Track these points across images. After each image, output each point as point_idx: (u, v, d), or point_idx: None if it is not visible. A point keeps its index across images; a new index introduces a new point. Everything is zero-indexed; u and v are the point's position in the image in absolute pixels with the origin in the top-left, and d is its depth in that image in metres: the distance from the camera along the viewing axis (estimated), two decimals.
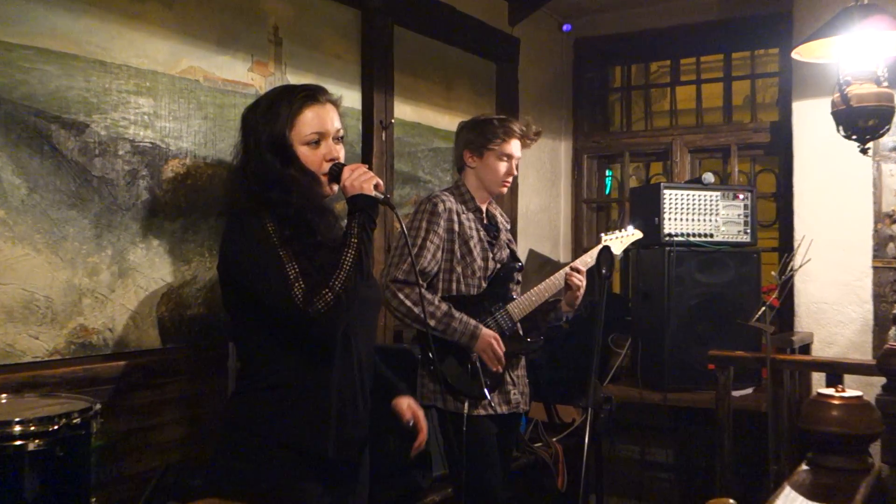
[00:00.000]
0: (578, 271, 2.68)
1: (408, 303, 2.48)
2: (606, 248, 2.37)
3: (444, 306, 2.54)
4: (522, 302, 2.67)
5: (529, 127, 2.71)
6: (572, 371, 3.73)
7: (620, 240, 2.91)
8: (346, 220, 1.74)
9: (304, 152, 1.77)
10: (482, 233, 2.69)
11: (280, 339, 1.72)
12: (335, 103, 1.84)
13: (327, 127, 1.79)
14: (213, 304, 2.67)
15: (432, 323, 2.51)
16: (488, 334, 2.55)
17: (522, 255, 4.45)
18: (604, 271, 2.27)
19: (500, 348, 2.55)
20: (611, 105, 5.12)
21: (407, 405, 2.03)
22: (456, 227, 2.63)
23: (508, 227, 2.85)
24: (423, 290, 2.54)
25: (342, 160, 1.83)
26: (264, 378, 1.74)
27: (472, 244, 2.63)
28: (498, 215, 2.82)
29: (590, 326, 2.41)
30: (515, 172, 2.71)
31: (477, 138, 2.67)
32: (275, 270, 1.64)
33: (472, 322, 2.56)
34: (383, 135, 3.44)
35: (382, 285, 2.47)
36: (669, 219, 3.83)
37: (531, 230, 4.57)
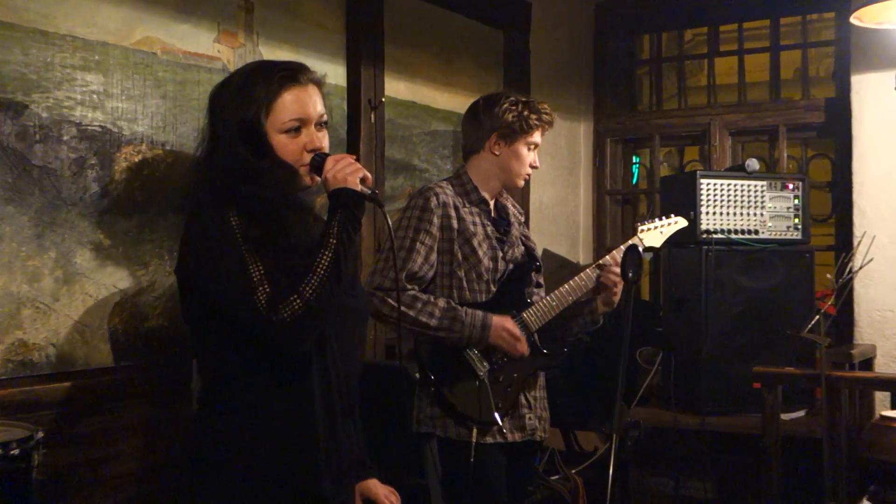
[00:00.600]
0: (612, 269, 2.69)
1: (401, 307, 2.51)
2: (633, 248, 2.37)
3: (441, 302, 2.56)
4: (540, 308, 2.67)
5: (551, 113, 2.77)
6: (594, 392, 3.74)
7: (660, 230, 2.90)
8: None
9: (281, 141, 1.78)
10: (489, 228, 2.70)
11: (247, 354, 1.73)
12: (318, 83, 1.84)
13: (309, 112, 1.80)
14: (175, 315, 2.66)
15: (433, 323, 2.51)
16: (499, 319, 2.57)
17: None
18: (630, 274, 2.27)
19: (515, 329, 2.58)
20: (638, 80, 5.11)
21: (383, 495, 2.05)
22: (454, 223, 2.63)
23: (523, 219, 2.87)
24: (417, 294, 2.55)
25: (326, 149, 1.84)
26: (230, 399, 1.76)
27: (475, 242, 2.64)
28: (510, 206, 2.84)
29: (614, 339, 2.41)
30: (538, 164, 2.76)
31: (515, 122, 2.68)
32: (236, 271, 1.66)
33: (479, 312, 2.57)
34: (372, 116, 3.44)
35: (368, 294, 2.48)
36: (707, 213, 3.82)
37: (545, 227, 4.56)
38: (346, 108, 3.40)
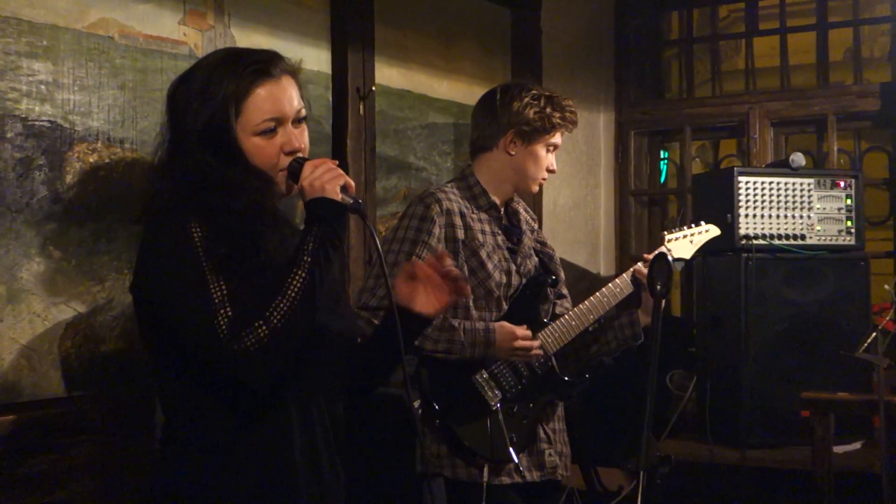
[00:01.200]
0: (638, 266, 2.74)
1: None
2: (661, 257, 2.37)
3: (436, 319, 2.55)
4: (559, 328, 2.70)
5: (576, 112, 2.80)
6: (617, 423, 3.74)
7: (690, 239, 2.93)
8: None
9: (255, 145, 1.80)
10: (499, 238, 2.73)
11: (212, 386, 1.74)
12: (293, 73, 1.86)
13: (285, 110, 1.82)
14: (136, 337, 2.65)
15: (427, 346, 2.52)
16: (504, 328, 2.58)
17: None
18: (658, 286, 2.27)
19: (525, 337, 2.59)
20: (666, 64, 5.12)
21: None
22: (460, 233, 2.64)
23: (536, 226, 2.89)
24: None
25: (306, 147, 1.85)
26: (196, 437, 1.77)
27: (484, 255, 2.66)
28: (521, 212, 2.86)
29: (640, 362, 2.42)
30: (555, 168, 2.79)
31: (537, 120, 2.70)
32: (195, 291, 1.66)
33: (479, 324, 2.59)
34: (361, 107, 3.44)
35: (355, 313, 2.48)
36: (746, 216, 3.83)
37: (560, 233, 4.56)
38: (330, 98, 3.41)
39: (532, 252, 2.80)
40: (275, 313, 1.64)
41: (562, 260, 4.51)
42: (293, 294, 1.67)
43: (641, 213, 4.96)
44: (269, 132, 1.80)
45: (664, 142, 5.05)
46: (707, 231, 2.97)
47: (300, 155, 1.83)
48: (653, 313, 2.26)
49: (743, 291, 3.73)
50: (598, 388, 3.67)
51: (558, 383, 2.71)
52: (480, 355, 2.57)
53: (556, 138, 2.75)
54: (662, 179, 5.08)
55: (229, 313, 1.64)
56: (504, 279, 2.67)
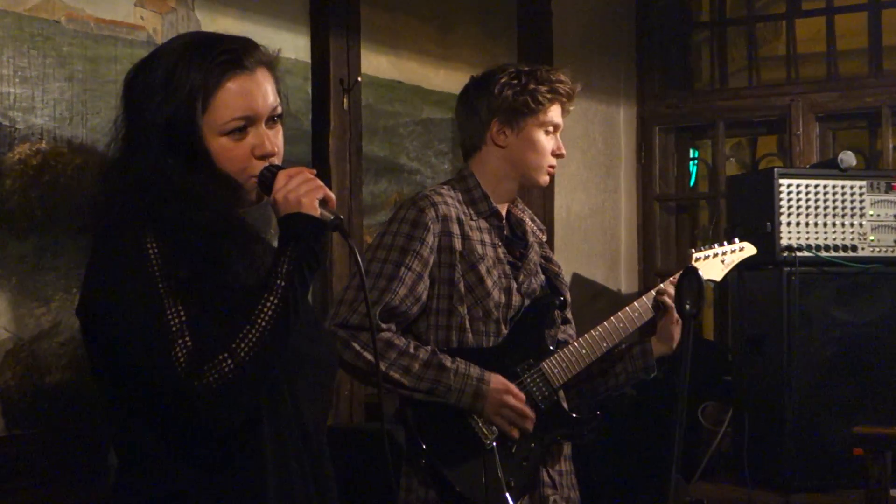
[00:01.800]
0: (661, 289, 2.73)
1: (367, 354, 2.48)
2: (690, 272, 2.35)
3: (423, 353, 2.55)
4: (566, 357, 2.69)
5: (571, 81, 2.76)
6: (641, 462, 3.72)
7: (721, 258, 2.93)
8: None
9: (223, 146, 1.79)
10: (500, 250, 2.70)
11: (172, 426, 1.72)
12: (270, 65, 1.85)
13: (258, 107, 1.81)
14: (86, 368, 2.65)
15: (408, 383, 2.52)
16: (498, 384, 2.57)
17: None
18: (688, 306, 2.27)
19: (518, 401, 2.58)
20: (695, 49, 5.12)
21: None
22: (457, 243, 2.63)
23: (544, 238, 2.89)
24: (393, 339, 2.54)
25: (280, 151, 1.84)
26: (152, 484, 1.75)
27: (483, 270, 2.64)
28: (527, 221, 2.85)
29: (667, 392, 2.41)
30: (564, 151, 2.76)
31: (514, 100, 2.68)
32: (149, 317, 1.66)
33: (474, 370, 2.57)
34: (345, 101, 3.46)
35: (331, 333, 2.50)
36: (789, 224, 3.81)
37: (575, 244, 4.56)
38: (310, 90, 3.43)
39: (538, 269, 2.79)
40: (242, 345, 1.64)
41: (577, 276, 4.57)
42: (263, 323, 1.67)
43: (668, 221, 4.95)
44: (239, 132, 1.79)
45: (694, 139, 5.05)
46: (741, 250, 2.95)
47: (273, 161, 1.82)
48: (682, 336, 2.24)
49: (785, 311, 3.70)
50: (617, 422, 3.65)
51: (565, 420, 2.69)
52: (466, 406, 2.54)
53: (552, 115, 2.71)
54: (692, 182, 5.08)
55: (188, 344, 1.63)
56: (503, 298, 2.65)
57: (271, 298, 1.68)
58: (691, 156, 5.06)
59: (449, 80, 3.90)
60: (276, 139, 1.83)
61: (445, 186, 2.73)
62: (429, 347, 2.57)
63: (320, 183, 1.78)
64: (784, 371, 3.70)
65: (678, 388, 2.17)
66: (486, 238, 2.68)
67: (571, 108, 2.77)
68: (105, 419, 1.86)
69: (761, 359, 3.81)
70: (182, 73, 1.75)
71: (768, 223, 3.78)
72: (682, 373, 2.19)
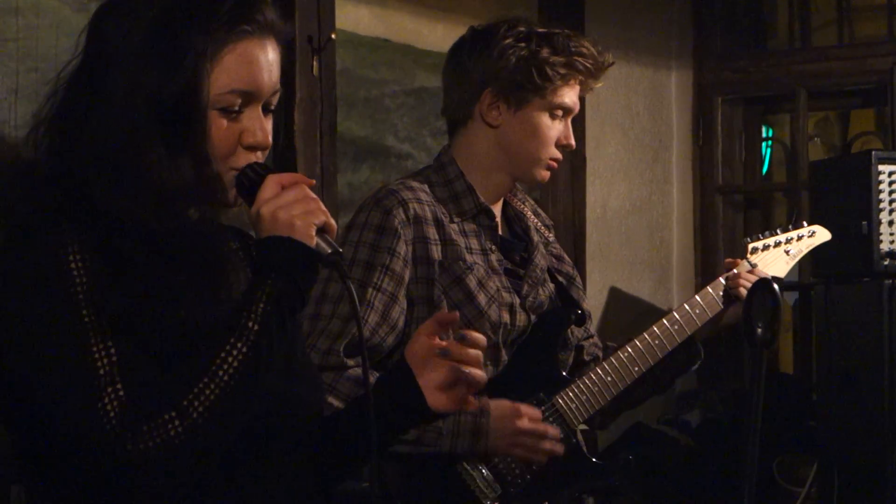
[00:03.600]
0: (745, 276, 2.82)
1: (334, 401, 2.49)
2: (763, 285, 2.32)
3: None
4: (587, 388, 2.74)
5: (600, 53, 2.75)
6: None
7: (784, 248, 2.97)
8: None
9: (214, 123, 1.79)
10: (494, 256, 2.72)
11: (100, 487, 1.70)
12: (280, 34, 1.84)
13: (262, 81, 1.80)
14: None
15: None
16: (503, 409, 2.59)
17: (597, 294, 4.40)
18: (759, 331, 2.23)
19: (535, 421, 2.62)
20: None
21: None
22: (435, 251, 2.65)
23: (552, 237, 2.87)
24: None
25: (268, 146, 1.84)
26: None
27: (472, 283, 2.66)
28: (529, 214, 2.85)
29: (732, 439, 2.39)
30: (573, 142, 2.71)
31: (517, 68, 2.66)
32: (69, 356, 1.64)
33: None
34: (314, 64, 3.51)
35: None
36: (891, 222, 3.87)
37: (614, 249, 4.59)
38: None
39: (545, 275, 2.78)
40: (196, 403, 1.65)
41: (615, 290, 4.56)
42: (226, 377, 1.67)
43: (734, 219, 5.01)
44: (233, 111, 1.78)
45: (767, 113, 5.05)
46: (811, 235, 2.98)
47: (259, 158, 1.82)
48: (753, 369, 2.18)
49: (886, 336, 3.76)
50: (669, 478, 3.64)
51: (586, 468, 2.74)
52: (465, 450, 2.56)
53: (564, 97, 2.70)
54: (765, 170, 5.06)
55: (120, 394, 1.63)
56: (505, 318, 2.66)
57: (238, 345, 1.69)
58: (764, 135, 5.05)
59: (449, 37, 3.86)
60: (267, 131, 1.84)
61: (418, 178, 2.76)
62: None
63: (321, 204, 1.77)
64: (884, 414, 3.74)
65: (747, 435, 2.09)
66: (474, 243, 2.72)
67: (597, 86, 2.79)
68: (15, 471, 1.86)
69: (855, 398, 3.84)
70: (181, 30, 1.75)
71: (864, 223, 3.85)
72: (753, 416, 2.12)
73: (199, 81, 1.75)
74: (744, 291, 2.74)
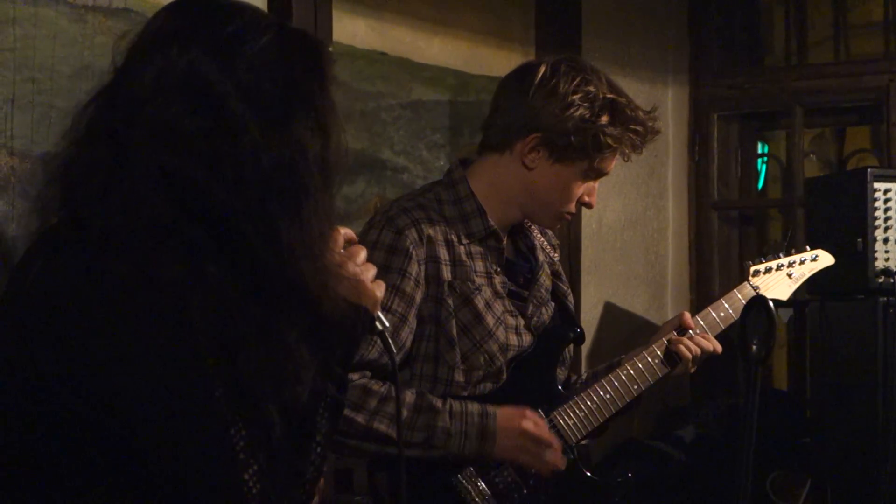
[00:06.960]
0: (689, 334, 2.79)
1: (351, 413, 2.51)
2: (757, 303, 2.34)
3: (409, 395, 2.60)
4: (585, 405, 2.74)
5: (653, 125, 2.77)
6: None
7: (787, 271, 2.97)
8: None
9: None
10: (499, 279, 2.71)
11: None
12: None
13: None
14: None
15: (396, 436, 2.49)
16: (510, 412, 2.60)
17: (591, 309, 4.41)
18: (754, 348, 2.26)
19: (540, 427, 2.62)
20: (766, 14, 5.13)
21: None
22: (446, 272, 2.65)
23: (556, 256, 2.91)
24: (369, 385, 2.58)
25: None
26: None
27: (481, 304, 2.66)
28: (535, 233, 2.90)
29: (726, 457, 2.40)
30: (595, 202, 2.82)
31: (581, 131, 2.63)
32: (204, 426, 1.60)
33: (472, 405, 2.61)
34: None
35: None
36: (886, 240, 3.89)
37: (609, 264, 4.60)
38: None
39: (548, 295, 2.81)
40: (307, 476, 1.73)
41: (610, 305, 4.56)
42: (319, 448, 1.74)
43: (730, 234, 5.00)
44: None
45: (763, 130, 5.07)
46: (815, 259, 2.97)
47: None
48: (747, 385, 2.23)
49: (880, 353, 3.77)
50: (662, 495, 3.63)
51: (584, 485, 2.72)
52: (473, 452, 2.56)
53: (606, 165, 2.72)
54: (760, 186, 5.07)
55: (255, 469, 1.62)
56: (513, 340, 2.68)
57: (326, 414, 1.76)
58: (760, 152, 5.06)
59: (446, 51, 3.90)
60: None
61: (427, 195, 2.72)
62: (413, 389, 2.62)
63: (376, 278, 1.83)
64: (878, 430, 3.75)
65: (741, 451, 2.16)
66: (480, 265, 2.71)
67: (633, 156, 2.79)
68: None
69: (849, 415, 3.86)
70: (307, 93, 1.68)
71: (859, 240, 3.87)
72: (747, 432, 2.17)
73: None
74: (683, 350, 2.78)
